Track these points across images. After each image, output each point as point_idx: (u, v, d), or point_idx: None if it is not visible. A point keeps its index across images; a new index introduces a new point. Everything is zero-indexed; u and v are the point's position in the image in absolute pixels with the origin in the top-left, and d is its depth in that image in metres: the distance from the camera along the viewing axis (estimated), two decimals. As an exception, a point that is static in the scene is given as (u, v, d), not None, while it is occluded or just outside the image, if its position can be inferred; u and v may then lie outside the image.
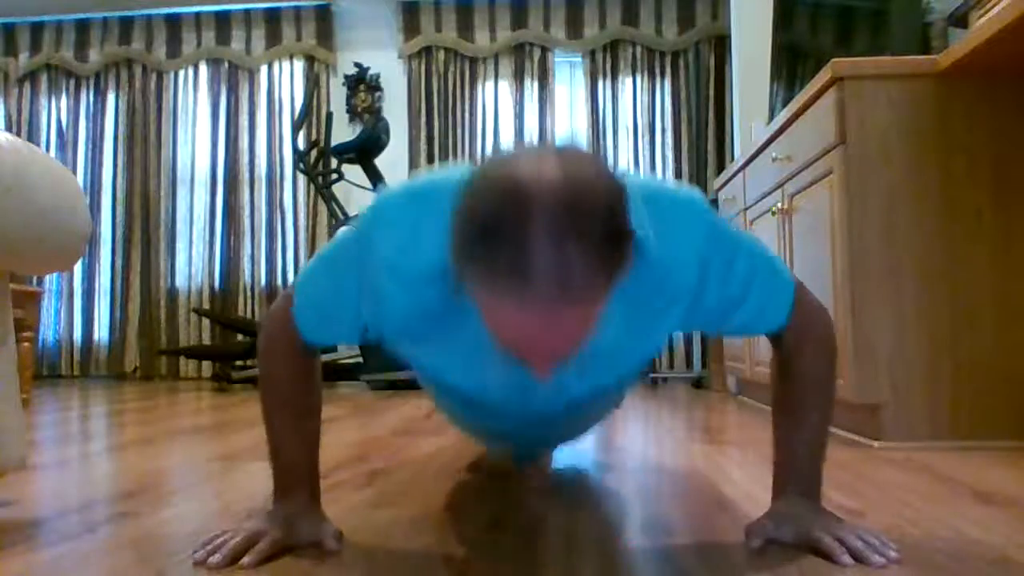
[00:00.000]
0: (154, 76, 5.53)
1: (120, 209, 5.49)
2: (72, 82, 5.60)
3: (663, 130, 5.16)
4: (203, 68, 5.53)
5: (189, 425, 2.54)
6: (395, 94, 5.36)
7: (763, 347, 2.69)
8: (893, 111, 1.95)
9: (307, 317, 1.03)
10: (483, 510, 1.26)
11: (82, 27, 5.58)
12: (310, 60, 5.40)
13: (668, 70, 5.18)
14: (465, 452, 1.88)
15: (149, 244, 5.44)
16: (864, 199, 1.95)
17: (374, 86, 5.37)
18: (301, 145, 4.65)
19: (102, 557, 1.00)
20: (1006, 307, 1.91)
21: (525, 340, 0.72)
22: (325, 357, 4.24)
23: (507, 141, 5.20)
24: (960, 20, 2.19)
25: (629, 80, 5.20)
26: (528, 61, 5.25)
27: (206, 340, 5.32)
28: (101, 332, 5.49)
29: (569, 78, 5.36)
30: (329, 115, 4.50)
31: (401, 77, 5.36)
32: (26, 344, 3.07)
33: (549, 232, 0.67)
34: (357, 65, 5.36)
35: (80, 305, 5.47)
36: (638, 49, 5.20)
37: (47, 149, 5.55)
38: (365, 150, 4.30)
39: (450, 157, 5.19)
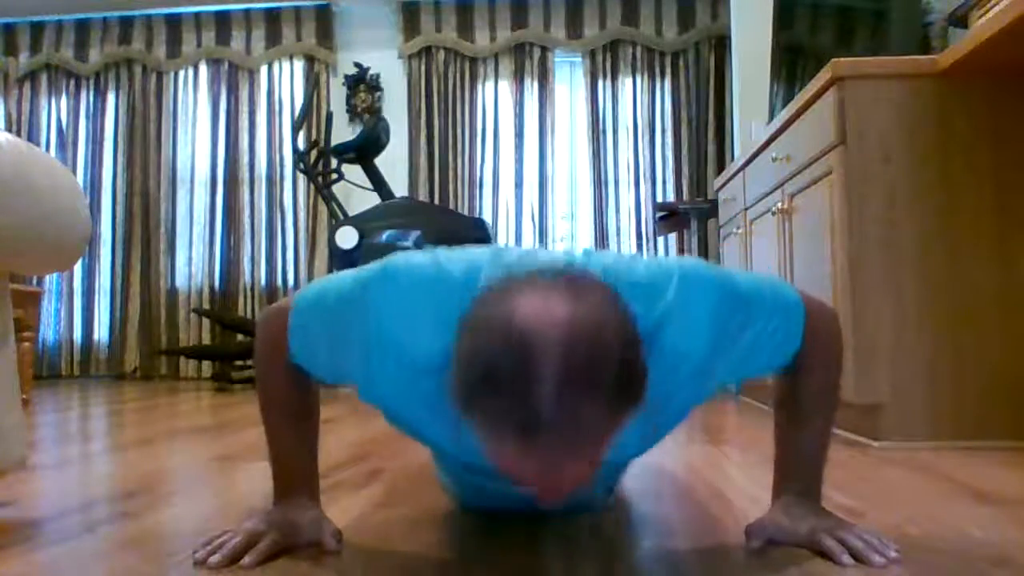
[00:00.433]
0: (154, 76, 5.53)
1: (120, 209, 5.48)
2: (72, 82, 5.59)
3: (663, 130, 5.15)
4: (203, 68, 5.53)
5: (189, 425, 2.54)
6: (395, 94, 5.36)
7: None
8: (893, 111, 1.95)
9: (298, 344, 0.99)
10: (483, 510, 1.26)
11: (82, 27, 5.57)
12: (310, 60, 5.40)
13: (668, 70, 5.17)
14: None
15: (149, 244, 5.43)
16: (864, 199, 1.95)
17: (374, 86, 5.37)
18: (301, 145, 4.64)
19: (102, 557, 1.00)
20: (1006, 307, 1.91)
21: (529, 480, 0.69)
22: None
23: (507, 154, 5.20)
24: (960, 20, 2.19)
25: (629, 80, 5.20)
26: (528, 61, 5.25)
27: (206, 340, 5.32)
28: (101, 332, 5.48)
29: (569, 78, 5.36)
30: (329, 115, 4.50)
31: (401, 77, 5.35)
32: (26, 344, 3.07)
33: (556, 385, 0.63)
34: (357, 65, 5.35)
35: (80, 305, 5.47)
36: (638, 49, 5.20)
37: (47, 149, 5.55)
38: (365, 150, 4.29)
39: (450, 157, 5.19)
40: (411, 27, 5.31)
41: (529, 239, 5.14)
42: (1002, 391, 1.89)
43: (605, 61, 5.20)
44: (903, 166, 1.95)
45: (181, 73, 5.53)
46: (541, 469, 0.67)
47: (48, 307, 5.45)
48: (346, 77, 5.38)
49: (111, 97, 5.59)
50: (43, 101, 5.60)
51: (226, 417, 2.79)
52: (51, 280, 5.47)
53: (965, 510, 1.21)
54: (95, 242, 5.46)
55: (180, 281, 5.44)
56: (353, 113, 5.35)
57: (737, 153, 4.16)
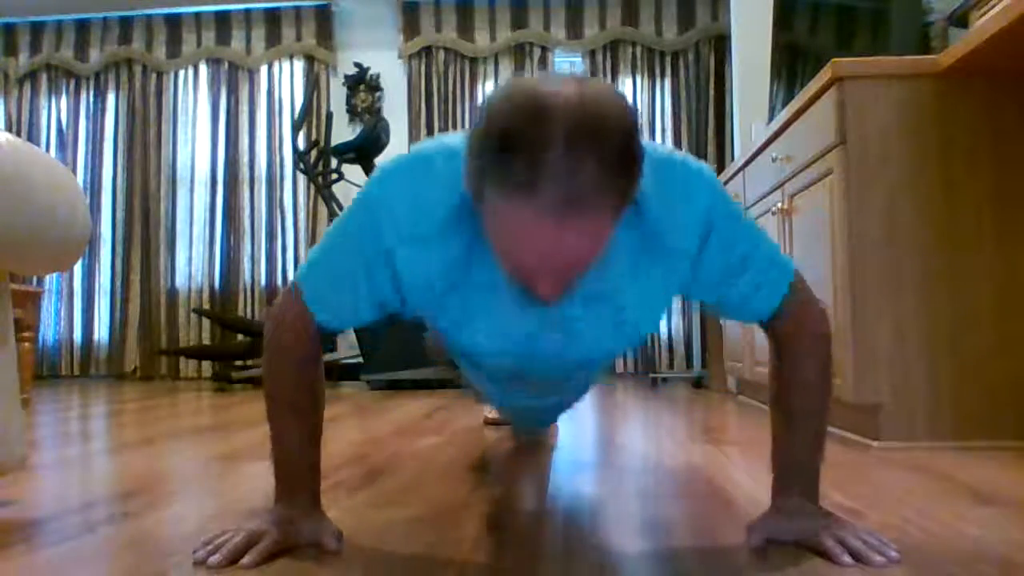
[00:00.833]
0: (154, 76, 5.53)
1: (120, 209, 5.49)
2: (72, 82, 5.60)
3: (663, 130, 5.16)
4: (203, 68, 5.53)
5: (189, 425, 2.54)
6: (395, 94, 5.36)
7: (763, 347, 2.69)
8: (893, 111, 1.95)
9: (321, 296, 1.01)
10: (483, 510, 1.26)
11: (82, 27, 5.58)
12: (310, 60, 5.40)
13: (668, 70, 5.18)
14: (465, 452, 1.89)
15: (149, 244, 5.44)
16: (864, 199, 1.95)
17: (374, 86, 5.37)
18: (301, 145, 4.65)
19: (102, 557, 1.00)
20: (1006, 307, 1.91)
21: (531, 251, 0.75)
22: (325, 357, 4.24)
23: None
24: (960, 20, 2.19)
25: (629, 80, 5.20)
26: (528, 61, 5.25)
27: (206, 340, 5.32)
28: (101, 332, 5.49)
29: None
30: (329, 115, 4.50)
31: (401, 77, 5.36)
32: (26, 344, 3.07)
33: (564, 142, 0.71)
34: (357, 65, 5.36)
35: (80, 305, 5.47)
36: (638, 49, 5.20)
37: (47, 149, 5.55)
38: (365, 150, 4.30)
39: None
40: (411, 27, 5.31)
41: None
42: (1002, 391, 1.89)
43: (605, 61, 5.20)
44: (903, 166, 1.95)
45: (181, 73, 5.53)
46: (545, 232, 0.73)
47: (48, 307, 5.46)
48: (346, 77, 5.38)
49: (111, 97, 5.59)
50: (43, 101, 5.60)
51: (226, 417, 2.79)
52: (51, 280, 5.47)
53: (965, 510, 1.21)
54: (95, 242, 5.47)
55: (180, 281, 5.44)
56: (353, 113, 5.36)
57: (737, 153, 4.16)
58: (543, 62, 5.24)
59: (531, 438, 2.07)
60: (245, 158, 5.41)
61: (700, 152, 5.08)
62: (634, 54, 5.20)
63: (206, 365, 5.33)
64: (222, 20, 5.48)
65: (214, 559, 0.94)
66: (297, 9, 5.41)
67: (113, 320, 5.43)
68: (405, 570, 0.94)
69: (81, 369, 5.44)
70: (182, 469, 1.68)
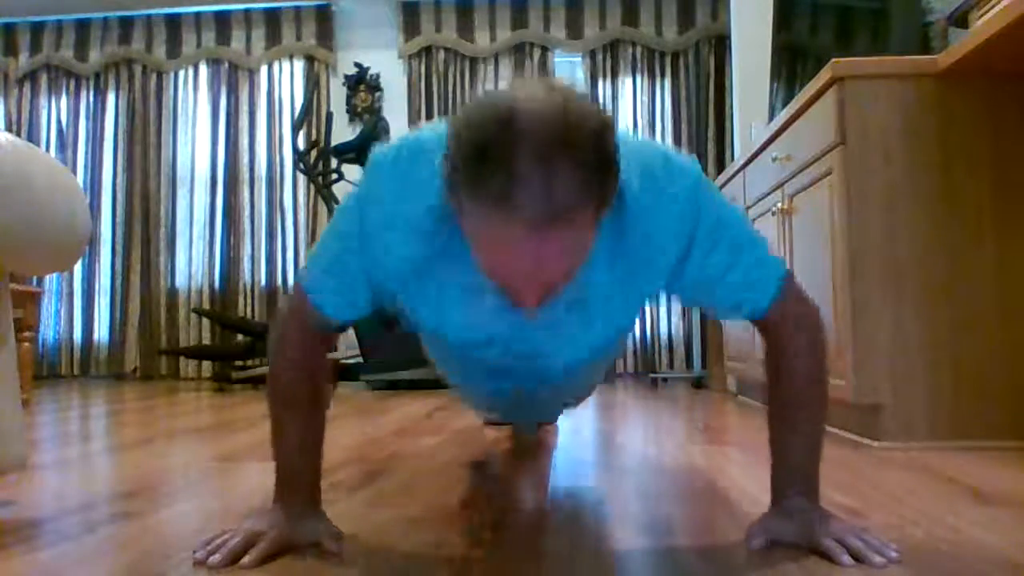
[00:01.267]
0: (154, 76, 5.53)
1: (120, 209, 5.49)
2: (72, 82, 5.60)
3: (663, 130, 5.16)
4: (203, 68, 5.53)
5: (189, 425, 2.54)
6: (395, 94, 5.36)
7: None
8: (893, 111, 1.95)
9: (319, 283, 1.02)
10: (483, 510, 1.26)
11: (82, 27, 5.58)
12: (310, 60, 5.40)
13: (668, 70, 5.18)
14: (465, 452, 1.88)
15: (149, 244, 5.43)
16: (864, 199, 1.95)
17: (374, 86, 5.37)
18: (301, 145, 4.64)
19: (102, 557, 1.00)
20: (1006, 307, 1.91)
21: (512, 266, 0.75)
22: (325, 357, 4.23)
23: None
24: (960, 20, 2.19)
25: (629, 80, 5.20)
26: (528, 61, 5.25)
27: (206, 340, 5.32)
28: (101, 332, 5.48)
29: (569, 78, 5.36)
30: (329, 115, 4.50)
31: (401, 77, 5.36)
32: (26, 344, 3.07)
33: (536, 150, 0.70)
34: (357, 65, 5.35)
35: (80, 305, 5.47)
36: (638, 49, 5.20)
37: (47, 149, 5.55)
38: (365, 150, 4.29)
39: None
40: (411, 27, 5.31)
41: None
42: (1002, 391, 1.89)
43: (605, 61, 5.20)
44: (903, 166, 1.95)
45: (181, 73, 5.53)
46: (523, 245, 0.72)
47: (48, 307, 5.46)
48: (346, 77, 5.38)
49: (111, 97, 5.59)
50: (43, 101, 5.60)
51: (226, 417, 2.79)
52: (51, 280, 5.47)
53: (965, 510, 1.21)
54: (95, 242, 5.47)
55: (180, 281, 5.44)
56: (353, 113, 5.36)
57: (737, 153, 4.16)
58: (543, 62, 5.24)
59: (531, 438, 2.07)
60: (245, 158, 5.41)
61: (700, 152, 5.08)
62: (634, 54, 5.20)
63: (206, 365, 5.33)
64: (222, 20, 5.48)
65: (214, 559, 0.94)
66: (297, 9, 5.41)
67: (113, 320, 5.43)
68: (405, 570, 0.94)
69: (81, 369, 5.44)
70: (182, 469, 1.68)
